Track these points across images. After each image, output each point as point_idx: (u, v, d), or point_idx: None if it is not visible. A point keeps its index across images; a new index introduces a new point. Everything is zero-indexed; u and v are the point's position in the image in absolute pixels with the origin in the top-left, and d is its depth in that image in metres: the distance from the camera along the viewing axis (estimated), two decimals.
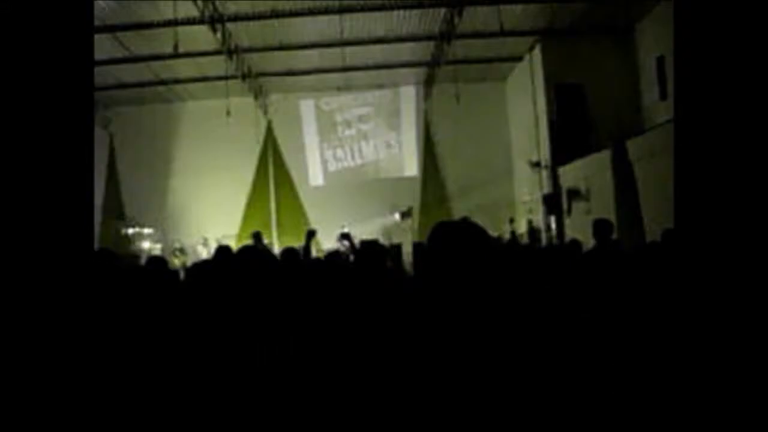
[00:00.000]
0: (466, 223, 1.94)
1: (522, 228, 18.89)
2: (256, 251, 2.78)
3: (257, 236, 11.45)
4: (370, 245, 3.48)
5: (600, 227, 5.80)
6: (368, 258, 3.34)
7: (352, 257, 5.58)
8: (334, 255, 5.10)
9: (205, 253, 18.01)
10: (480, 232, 1.88)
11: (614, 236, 6.01)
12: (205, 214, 20.11)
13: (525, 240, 17.32)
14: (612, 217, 13.12)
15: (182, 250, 18.88)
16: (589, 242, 6.06)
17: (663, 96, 15.62)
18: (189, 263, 16.79)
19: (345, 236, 5.41)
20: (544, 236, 17.43)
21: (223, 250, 4.99)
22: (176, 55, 14.96)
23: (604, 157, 14.05)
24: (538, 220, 18.14)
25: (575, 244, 7.16)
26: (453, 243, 1.84)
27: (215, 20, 14.48)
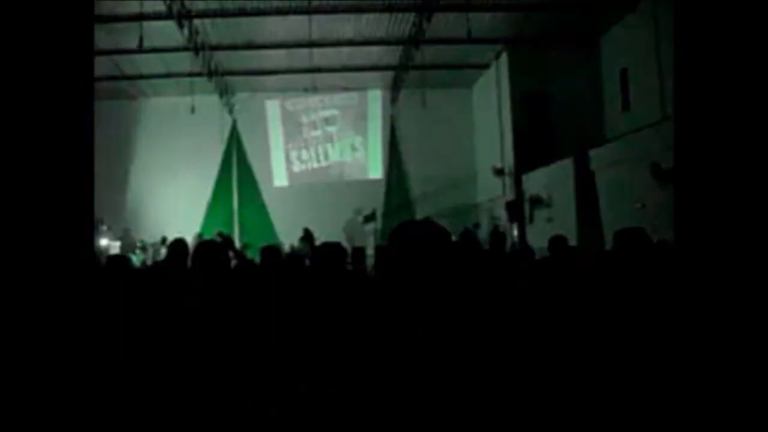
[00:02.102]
0: (427, 223, 1.94)
1: (485, 233, 18.98)
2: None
3: (228, 241, 10.80)
4: (330, 247, 3.46)
5: (556, 244, 5.90)
6: (327, 260, 3.32)
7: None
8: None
9: (164, 251, 17.72)
10: (441, 232, 1.89)
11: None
12: (166, 212, 19.75)
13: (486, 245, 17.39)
14: (573, 225, 13.36)
15: (143, 248, 18.54)
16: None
17: (625, 107, 15.91)
18: (149, 261, 16.56)
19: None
20: (509, 241, 17.54)
21: (178, 243, 4.97)
22: (141, 50, 14.73)
23: (566, 165, 14.26)
24: (503, 224, 18.26)
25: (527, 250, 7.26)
26: (413, 242, 1.83)
27: (182, 16, 14.27)
